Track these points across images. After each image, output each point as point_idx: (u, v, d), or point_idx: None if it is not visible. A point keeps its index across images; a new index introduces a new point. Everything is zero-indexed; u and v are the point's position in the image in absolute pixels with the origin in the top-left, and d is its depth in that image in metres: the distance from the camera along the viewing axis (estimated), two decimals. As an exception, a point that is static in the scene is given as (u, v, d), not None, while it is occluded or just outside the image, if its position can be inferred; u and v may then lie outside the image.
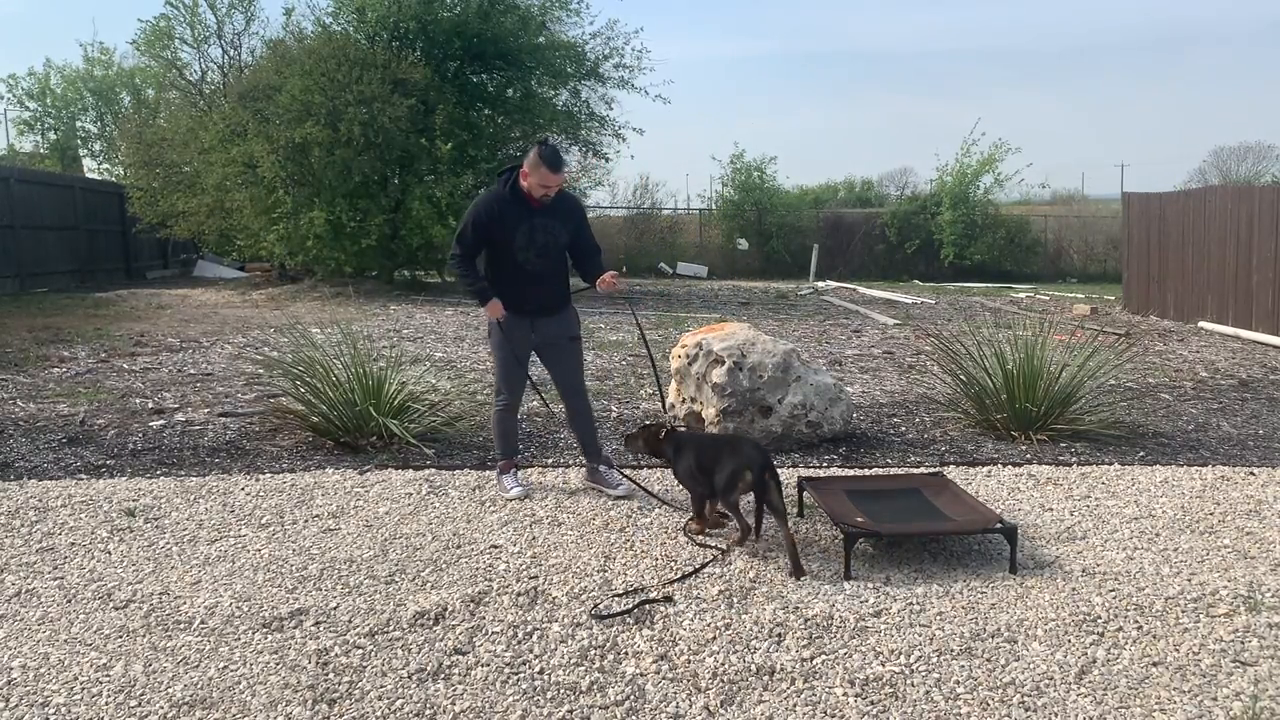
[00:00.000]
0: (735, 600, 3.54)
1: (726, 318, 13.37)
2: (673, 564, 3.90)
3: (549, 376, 5.09)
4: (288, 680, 2.96)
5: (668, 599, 3.53)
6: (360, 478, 5.16)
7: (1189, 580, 3.73)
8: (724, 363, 5.78)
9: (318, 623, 3.36)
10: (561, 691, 2.91)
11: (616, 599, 3.54)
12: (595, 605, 3.49)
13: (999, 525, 3.90)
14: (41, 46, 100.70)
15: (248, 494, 4.87)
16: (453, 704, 2.84)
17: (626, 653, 3.15)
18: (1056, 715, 2.78)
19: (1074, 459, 5.62)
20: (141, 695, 2.88)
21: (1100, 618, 3.39)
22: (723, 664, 3.06)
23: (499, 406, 4.94)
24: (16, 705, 2.83)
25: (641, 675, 3.00)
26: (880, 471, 5.32)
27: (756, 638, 3.24)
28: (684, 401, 6.06)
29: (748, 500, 4.10)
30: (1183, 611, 3.45)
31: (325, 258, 16.25)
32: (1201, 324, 12.79)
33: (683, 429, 5.09)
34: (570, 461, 5.52)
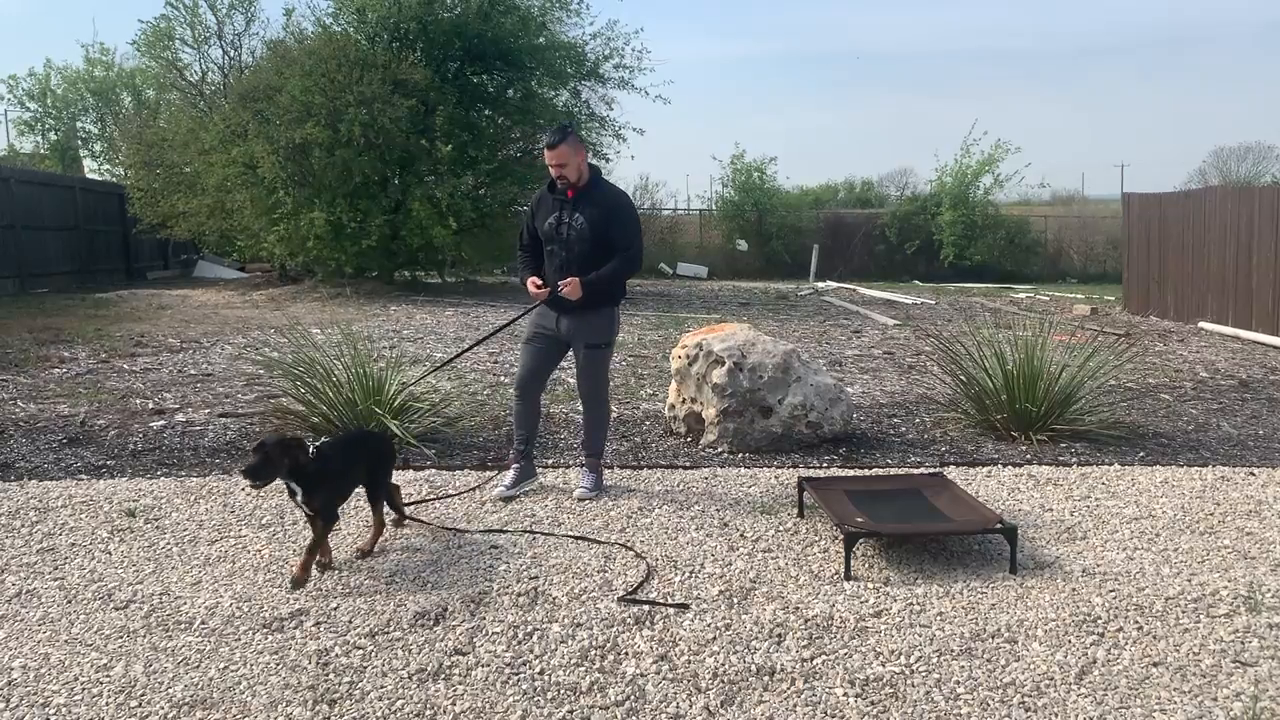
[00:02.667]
0: (735, 600, 3.54)
1: (726, 318, 13.37)
2: (673, 564, 3.90)
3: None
4: (288, 680, 2.96)
5: (683, 606, 3.50)
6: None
7: (1189, 580, 3.73)
8: (724, 363, 5.78)
9: (318, 623, 3.36)
10: (562, 692, 2.91)
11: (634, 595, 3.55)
12: (626, 591, 3.56)
13: (999, 526, 3.90)
14: (42, 47, 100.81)
15: (248, 494, 4.87)
16: (453, 704, 2.84)
17: (627, 653, 3.15)
18: (1056, 715, 2.78)
19: (1074, 459, 5.63)
20: (142, 695, 2.88)
21: (1100, 618, 3.39)
22: (723, 664, 3.06)
23: (514, 395, 5.02)
24: (17, 705, 2.83)
25: (642, 675, 3.00)
26: (880, 472, 5.32)
27: (756, 638, 3.24)
28: (684, 402, 6.06)
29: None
30: (1183, 611, 3.45)
31: (325, 258, 16.25)
32: (1201, 324, 12.79)
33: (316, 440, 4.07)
34: (570, 462, 5.52)
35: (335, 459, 3.87)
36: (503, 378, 8.17)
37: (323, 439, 4.20)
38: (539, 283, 4.70)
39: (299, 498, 3.76)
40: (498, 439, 6.07)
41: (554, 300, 4.70)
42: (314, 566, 3.74)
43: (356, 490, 4.11)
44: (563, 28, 18.09)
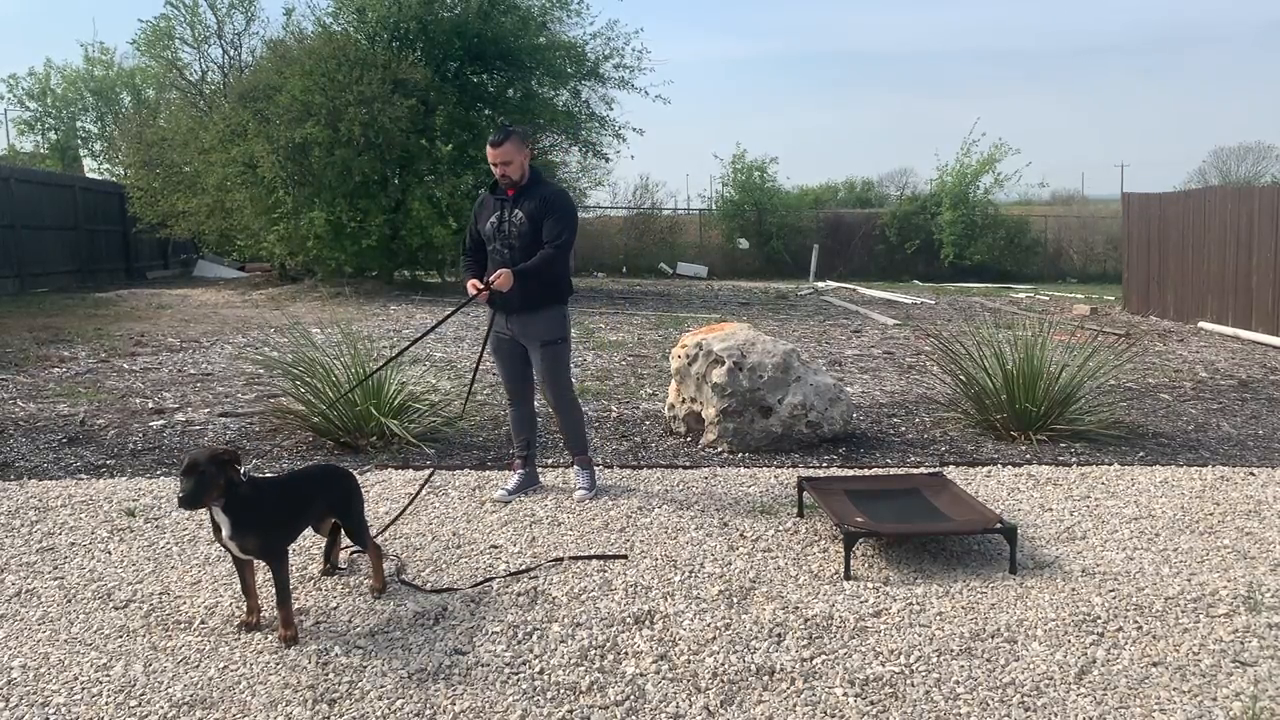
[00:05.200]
0: (735, 600, 3.54)
1: (726, 318, 13.37)
2: (673, 564, 3.90)
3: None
4: (288, 680, 2.96)
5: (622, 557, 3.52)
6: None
7: (1189, 580, 3.73)
8: (724, 363, 5.78)
9: (318, 623, 3.36)
10: (561, 691, 2.91)
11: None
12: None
13: (999, 525, 3.90)
14: (41, 47, 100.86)
15: (248, 494, 4.86)
16: (453, 704, 2.84)
17: (626, 653, 3.15)
18: (1056, 715, 2.78)
19: (1074, 459, 5.63)
20: (141, 695, 2.88)
21: (1100, 618, 3.39)
22: (723, 664, 3.06)
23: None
24: (17, 705, 2.83)
25: (641, 675, 3.00)
26: (880, 472, 5.32)
27: (756, 638, 3.24)
28: (684, 401, 6.06)
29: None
30: (1183, 611, 3.45)
31: (325, 258, 16.26)
32: (1201, 324, 12.79)
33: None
34: (569, 462, 5.52)
35: (272, 493, 3.35)
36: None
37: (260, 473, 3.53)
38: (478, 284, 4.63)
39: (224, 533, 3.18)
40: (498, 439, 6.07)
41: (501, 301, 4.65)
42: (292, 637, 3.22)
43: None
44: (563, 27, 18.11)
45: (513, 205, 4.65)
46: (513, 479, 4.91)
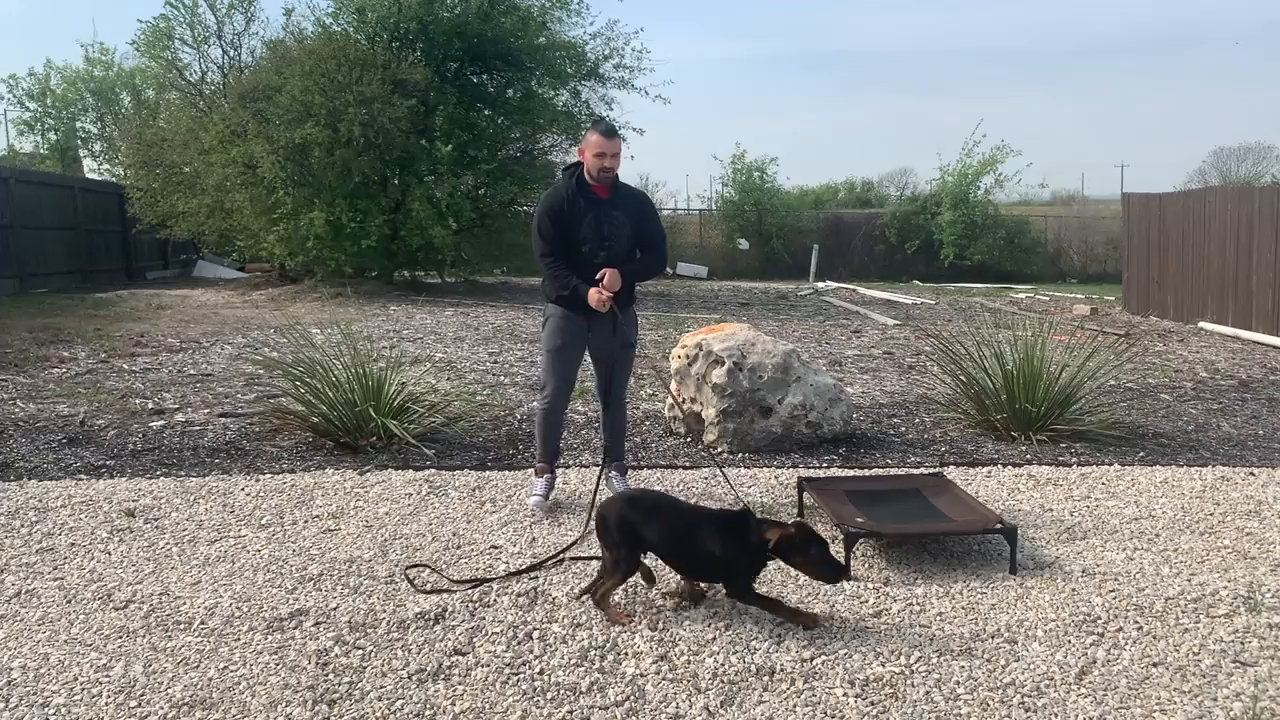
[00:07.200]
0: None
1: (726, 318, 13.36)
2: (673, 564, 3.89)
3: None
4: (288, 680, 2.96)
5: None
6: (360, 478, 5.16)
7: (1189, 580, 3.73)
8: (724, 363, 5.78)
9: (318, 623, 3.36)
10: (561, 692, 2.91)
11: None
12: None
13: (999, 526, 3.90)
14: (41, 47, 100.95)
15: (248, 494, 4.87)
16: (453, 704, 2.84)
17: (626, 653, 3.15)
18: (1056, 715, 2.78)
19: (1074, 459, 5.63)
20: (141, 696, 2.87)
21: (1100, 618, 3.39)
22: (723, 664, 3.06)
23: (541, 405, 4.79)
24: (16, 705, 2.83)
25: (641, 675, 3.00)
26: (880, 472, 5.32)
27: (756, 638, 3.24)
28: (684, 402, 6.06)
29: None
30: (1183, 612, 3.45)
31: (325, 258, 16.25)
32: (1201, 324, 12.79)
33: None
34: (570, 462, 5.52)
35: None
36: (502, 378, 8.17)
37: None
38: (604, 292, 4.43)
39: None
40: (498, 439, 6.06)
41: (586, 306, 4.48)
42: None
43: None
44: (563, 28, 18.09)
45: (610, 207, 4.56)
46: (540, 483, 4.73)
